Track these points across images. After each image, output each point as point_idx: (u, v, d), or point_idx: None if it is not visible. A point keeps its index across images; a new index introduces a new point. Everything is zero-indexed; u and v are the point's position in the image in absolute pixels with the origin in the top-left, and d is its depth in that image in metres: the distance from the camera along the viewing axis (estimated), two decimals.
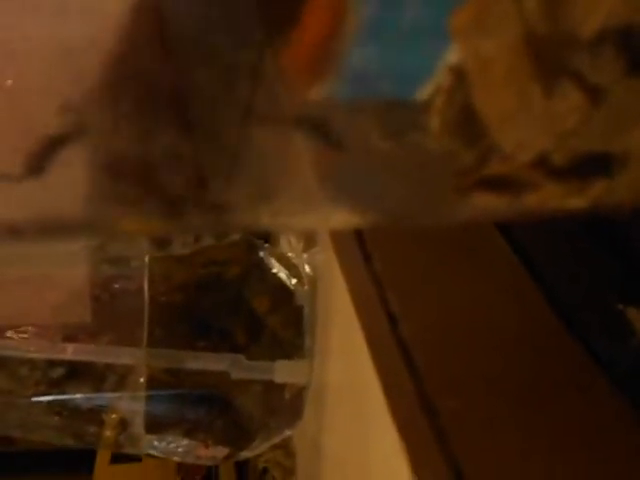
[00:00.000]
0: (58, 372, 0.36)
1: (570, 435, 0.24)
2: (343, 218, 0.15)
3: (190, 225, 0.17)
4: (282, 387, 0.42)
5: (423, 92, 0.14)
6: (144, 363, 0.37)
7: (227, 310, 0.43)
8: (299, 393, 0.41)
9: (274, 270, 0.44)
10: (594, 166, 0.12)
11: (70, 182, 0.15)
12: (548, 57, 0.11)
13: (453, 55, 0.13)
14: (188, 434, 0.43)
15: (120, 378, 0.38)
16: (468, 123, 0.13)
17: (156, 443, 0.43)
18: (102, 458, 0.56)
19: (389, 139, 0.15)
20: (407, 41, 0.14)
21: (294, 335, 0.42)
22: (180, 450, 0.43)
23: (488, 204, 0.14)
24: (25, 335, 0.37)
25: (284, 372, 0.40)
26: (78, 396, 0.37)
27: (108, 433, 0.41)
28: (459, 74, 0.13)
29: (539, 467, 0.23)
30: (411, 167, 0.15)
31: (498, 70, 0.12)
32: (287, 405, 0.42)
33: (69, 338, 0.37)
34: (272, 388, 0.41)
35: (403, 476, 0.25)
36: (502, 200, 0.13)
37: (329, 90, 0.14)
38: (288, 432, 0.43)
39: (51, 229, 0.16)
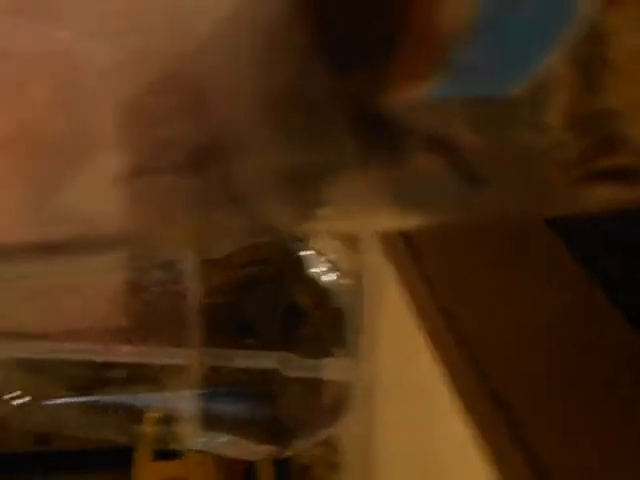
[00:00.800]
0: (115, 373, 0.37)
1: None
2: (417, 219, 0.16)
3: (238, 231, 0.17)
4: (327, 385, 0.42)
5: (520, 87, 0.14)
6: (197, 362, 0.38)
7: (269, 309, 0.43)
8: (345, 390, 0.42)
9: (312, 267, 0.44)
10: None
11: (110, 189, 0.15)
12: None
13: (578, 47, 0.13)
14: (234, 431, 0.43)
15: (173, 378, 0.38)
16: (594, 117, 0.13)
17: (202, 439, 0.43)
18: (142, 455, 0.56)
19: (481, 133, 0.15)
20: (514, 39, 0.14)
21: (337, 332, 0.42)
22: (225, 446, 0.43)
23: (606, 194, 0.14)
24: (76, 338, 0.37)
25: (333, 369, 0.40)
26: (132, 396, 0.38)
27: (148, 430, 0.41)
28: (584, 68, 0.13)
29: (615, 458, 0.24)
30: (510, 161, 0.15)
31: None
32: (332, 403, 0.42)
33: (121, 341, 0.38)
34: (317, 386, 0.42)
35: (479, 470, 0.25)
36: (622, 190, 0.14)
37: (431, 89, 0.15)
38: (333, 429, 0.44)
39: (91, 243, 0.16)
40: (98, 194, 0.15)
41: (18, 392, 0.36)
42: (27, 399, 0.36)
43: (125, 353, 0.37)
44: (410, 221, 0.18)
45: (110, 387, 0.37)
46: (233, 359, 0.38)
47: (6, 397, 0.36)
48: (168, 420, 0.40)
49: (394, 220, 0.18)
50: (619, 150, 0.13)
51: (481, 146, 0.15)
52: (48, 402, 0.37)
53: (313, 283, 0.43)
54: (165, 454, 0.55)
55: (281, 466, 0.55)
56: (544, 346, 0.29)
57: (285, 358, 0.40)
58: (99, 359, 0.37)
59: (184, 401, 0.39)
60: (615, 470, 0.23)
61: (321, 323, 0.42)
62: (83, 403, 0.37)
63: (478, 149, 0.15)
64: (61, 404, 0.37)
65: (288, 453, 0.45)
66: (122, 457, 0.57)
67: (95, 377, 0.37)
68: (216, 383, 0.39)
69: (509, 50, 0.14)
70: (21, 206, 0.15)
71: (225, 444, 0.42)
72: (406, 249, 0.36)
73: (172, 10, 0.14)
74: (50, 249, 0.16)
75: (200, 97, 0.14)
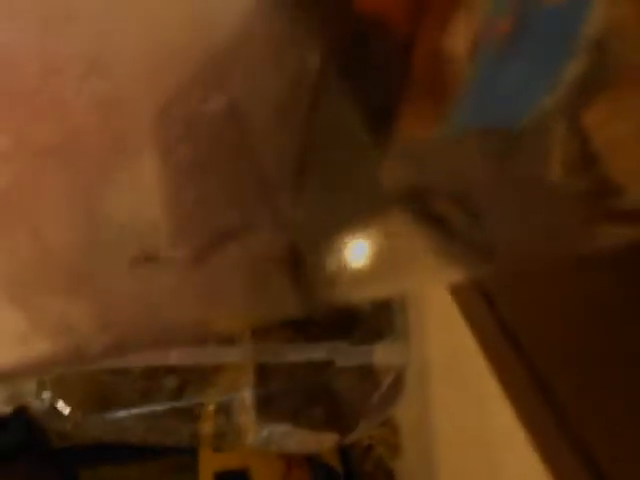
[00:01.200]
0: (172, 381, 0.38)
1: None
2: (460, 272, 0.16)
3: (290, 308, 0.17)
4: (381, 369, 0.42)
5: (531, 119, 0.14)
6: (249, 359, 0.38)
7: None
8: (398, 373, 0.42)
9: None
10: None
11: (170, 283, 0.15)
12: None
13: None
14: (294, 422, 0.44)
15: (227, 377, 0.39)
16: (592, 168, 0.13)
17: (262, 434, 0.44)
18: (205, 445, 0.57)
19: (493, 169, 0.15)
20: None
21: (385, 317, 0.42)
22: (286, 439, 0.44)
23: (619, 233, 0.14)
24: None
25: (383, 354, 0.40)
26: (192, 402, 0.39)
27: (206, 425, 0.42)
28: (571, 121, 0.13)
29: None
30: (533, 200, 0.15)
31: (627, 144, 0.12)
32: (387, 386, 0.42)
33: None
34: (371, 371, 0.42)
35: (527, 453, 0.25)
36: (631, 229, 0.14)
37: (446, 127, 0.15)
38: (390, 411, 0.44)
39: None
40: (137, 201, 0.15)
41: (76, 405, 0.37)
42: (88, 412, 0.37)
43: (177, 356, 0.38)
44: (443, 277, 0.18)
45: (166, 394, 0.38)
46: (284, 353, 0.38)
47: (66, 412, 0.37)
48: (227, 417, 0.41)
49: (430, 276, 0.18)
50: (618, 194, 0.13)
51: (492, 183, 0.15)
52: (107, 414, 0.38)
53: None
54: None
55: (343, 447, 0.55)
56: (586, 325, 0.29)
57: (335, 348, 0.40)
58: (153, 364, 0.38)
59: (240, 398, 0.40)
60: None
61: (370, 309, 0.42)
62: (142, 412, 0.38)
63: (489, 186, 0.15)
64: (122, 415, 0.38)
65: (350, 439, 0.46)
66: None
67: (151, 385, 0.38)
68: (271, 377, 0.40)
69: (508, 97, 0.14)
70: (70, 211, 0.15)
71: (286, 437, 0.43)
72: None
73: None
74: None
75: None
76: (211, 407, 0.41)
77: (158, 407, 0.38)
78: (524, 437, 0.26)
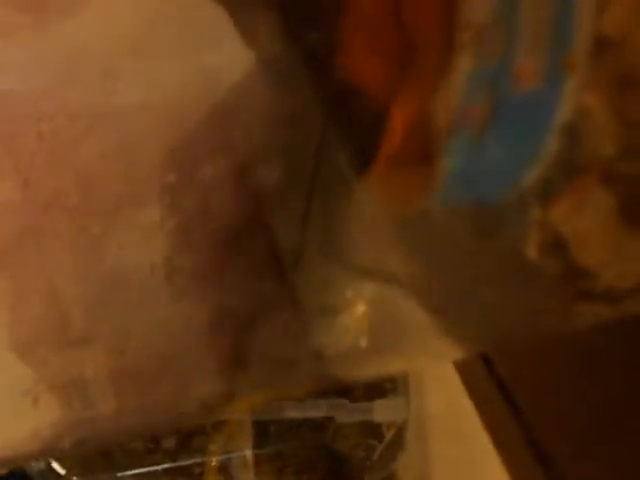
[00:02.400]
0: (170, 442, 0.38)
1: None
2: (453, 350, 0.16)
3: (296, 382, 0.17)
4: (381, 425, 0.42)
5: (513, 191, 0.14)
6: (248, 417, 0.39)
7: None
8: (399, 429, 0.42)
9: None
10: None
11: None
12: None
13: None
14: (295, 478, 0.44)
15: (227, 435, 0.39)
16: (563, 254, 0.13)
17: None
18: None
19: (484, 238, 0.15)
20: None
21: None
22: None
23: (593, 312, 0.14)
24: None
25: (383, 411, 0.40)
26: (193, 459, 0.39)
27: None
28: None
29: None
30: (510, 274, 0.15)
31: (594, 236, 0.12)
32: (388, 442, 0.42)
33: None
34: (372, 427, 0.42)
35: None
36: (608, 308, 0.14)
37: (428, 202, 0.15)
38: (392, 467, 0.44)
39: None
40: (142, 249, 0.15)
41: (74, 467, 0.38)
42: (82, 473, 0.37)
43: None
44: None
45: (164, 454, 0.38)
46: (283, 410, 0.39)
47: (62, 472, 0.37)
48: (227, 475, 0.41)
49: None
50: (590, 279, 0.14)
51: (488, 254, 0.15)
52: (104, 475, 0.38)
53: None
54: None
55: None
56: (587, 386, 0.28)
57: (335, 405, 0.40)
58: None
59: (241, 456, 0.40)
60: None
61: None
62: (140, 474, 0.38)
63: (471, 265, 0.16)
64: (120, 477, 0.38)
65: None
66: None
67: (148, 446, 0.38)
68: (271, 436, 0.40)
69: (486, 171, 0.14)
70: (76, 261, 0.15)
71: None
72: None
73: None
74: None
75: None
76: (214, 463, 0.41)
77: (157, 468, 0.38)
78: None
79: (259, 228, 0.15)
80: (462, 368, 0.32)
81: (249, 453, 0.40)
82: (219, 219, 0.15)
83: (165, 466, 0.38)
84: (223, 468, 0.40)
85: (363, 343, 0.16)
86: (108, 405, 0.15)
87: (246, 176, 0.14)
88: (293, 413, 0.39)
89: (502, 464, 0.27)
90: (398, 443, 0.43)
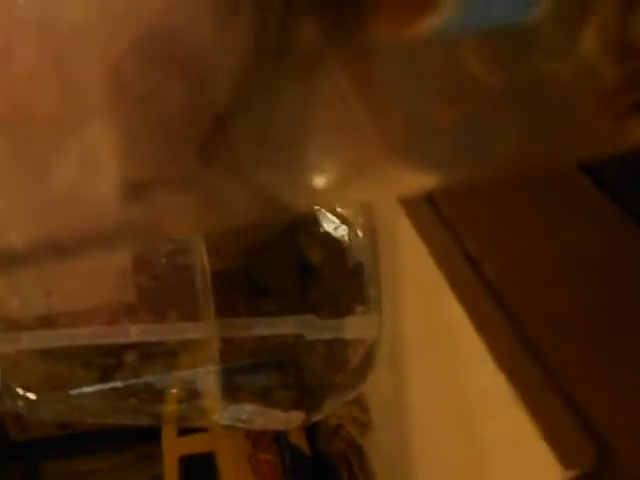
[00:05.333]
0: (129, 356, 0.36)
1: None
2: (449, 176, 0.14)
3: (234, 216, 0.15)
4: (350, 343, 0.41)
5: (542, 7, 0.12)
6: (213, 335, 0.36)
7: (284, 270, 0.42)
8: (369, 348, 0.41)
9: (325, 223, 0.43)
10: None
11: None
12: None
13: None
14: (261, 400, 0.42)
15: (191, 354, 0.37)
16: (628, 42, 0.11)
17: (228, 413, 0.42)
18: (168, 431, 0.55)
19: (502, 71, 0.13)
20: None
21: (357, 289, 0.40)
22: (253, 418, 0.42)
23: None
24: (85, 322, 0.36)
25: (355, 328, 0.39)
26: (150, 377, 0.37)
27: (170, 408, 0.40)
28: None
29: None
30: (537, 99, 0.13)
31: None
32: (356, 363, 0.41)
33: (132, 320, 0.36)
34: (341, 345, 0.40)
35: (514, 417, 0.23)
36: None
37: (438, 23, 0.13)
38: (359, 389, 0.43)
39: (92, 242, 0.15)
40: (94, 169, 0.14)
41: (32, 384, 0.35)
42: (43, 391, 0.35)
43: (137, 333, 0.36)
44: (425, 180, 0.17)
45: (126, 370, 0.36)
46: (251, 328, 0.37)
47: (21, 391, 0.35)
48: (191, 397, 0.39)
49: (405, 181, 0.16)
50: None
51: (504, 85, 0.13)
52: (65, 392, 0.36)
53: (327, 239, 0.42)
54: (191, 428, 0.54)
55: (310, 427, 0.54)
56: (574, 286, 0.28)
57: (305, 321, 0.38)
58: (111, 341, 0.35)
59: (205, 376, 0.38)
60: None
61: (339, 280, 0.40)
62: (100, 390, 0.36)
63: (500, 89, 0.14)
64: (78, 393, 0.36)
65: (318, 417, 0.44)
66: (146, 433, 0.56)
67: (110, 361, 0.36)
68: (236, 354, 0.38)
69: None
70: (21, 190, 0.14)
71: (252, 415, 0.41)
72: (422, 196, 0.35)
73: None
74: (57, 249, 0.15)
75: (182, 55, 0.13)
76: (174, 390, 0.39)
77: (118, 384, 0.36)
78: (510, 396, 0.24)
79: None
80: (447, 272, 0.30)
81: (213, 375, 0.38)
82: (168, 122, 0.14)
83: (127, 383, 0.35)
84: (186, 391, 0.38)
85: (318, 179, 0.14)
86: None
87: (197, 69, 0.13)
88: (261, 330, 0.37)
89: (492, 362, 0.25)
90: (367, 364, 0.41)
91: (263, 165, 0.14)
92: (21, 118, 0.13)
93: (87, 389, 0.35)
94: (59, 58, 0.12)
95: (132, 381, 0.36)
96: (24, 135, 0.13)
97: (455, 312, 0.29)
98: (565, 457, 0.21)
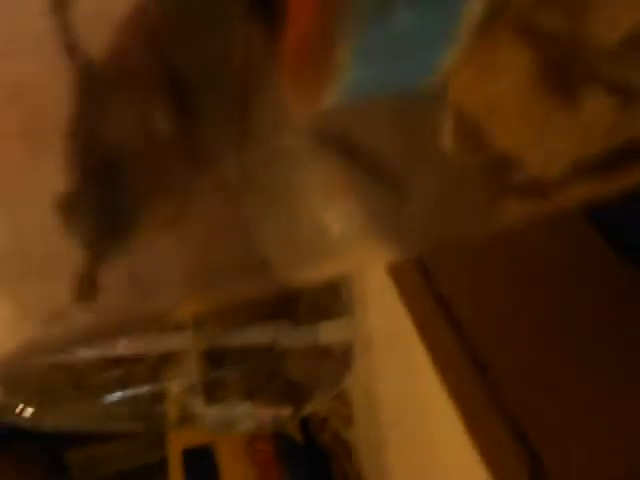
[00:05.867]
0: (117, 372, 0.38)
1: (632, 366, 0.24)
2: (378, 253, 0.15)
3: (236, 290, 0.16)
4: (329, 345, 0.43)
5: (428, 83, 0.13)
6: (193, 345, 0.39)
7: None
8: (346, 348, 0.43)
9: None
10: (631, 154, 0.12)
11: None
12: (568, 73, 0.11)
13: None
14: (249, 400, 0.44)
15: (175, 363, 0.39)
16: (482, 142, 0.12)
17: (218, 414, 0.44)
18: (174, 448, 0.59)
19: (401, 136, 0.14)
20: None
21: (329, 294, 0.42)
22: (244, 420, 0.44)
23: (519, 210, 0.13)
24: None
25: (328, 332, 0.41)
26: (141, 389, 0.39)
27: (172, 413, 0.43)
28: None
29: (601, 414, 0.23)
30: (438, 175, 0.15)
31: (509, 105, 0.11)
32: (336, 361, 0.43)
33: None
34: (319, 348, 0.43)
35: (454, 420, 0.25)
36: (533, 204, 0.13)
37: (335, 95, 0.14)
38: (342, 385, 0.45)
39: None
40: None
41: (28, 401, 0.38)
42: (37, 407, 0.38)
43: (124, 347, 0.38)
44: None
45: (117, 383, 0.38)
46: (227, 338, 0.39)
47: (18, 409, 0.37)
48: (185, 403, 0.42)
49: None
50: (513, 166, 0.13)
51: (402, 151, 0.15)
52: (58, 406, 0.38)
53: None
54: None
55: (303, 419, 0.56)
56: (522, 291, 0.29)
57: (279, 329, 0.40)
58: (96, 355, 0.38)
59: (191, 384, 0.41)
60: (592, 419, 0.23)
61: (313, 288, 0.42)
62: (92, 404, 0.38)
63: (399, 154, 0.15)
64: (70, 407, 0.39)
65: (304, 412, 0.47)
66: None
67: (104, 375, 0.38)
68: (219, 362, 0.40)
69: (405, 42, 0.13)
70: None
71: (243, 417, 0.43)
72: None
73: None
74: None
75: None
76: (175, 390, 0.42)
77: (116, 396, 0.39)
78: (453, 408, 0.26)
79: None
80: (402, 284, 0.32)
81: (197, 382, 0.41)
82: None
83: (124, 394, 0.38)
84: (184, 394, 0.41)
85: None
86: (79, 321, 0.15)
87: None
88: (237, 340, 0.39)
89: (438, 374, 0.27)
90: (346, 362, 0.43)
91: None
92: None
93: (83, 402, 0.38)
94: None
95: (125, 393, 0.38)
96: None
97: (406, 323, 0.31)
98: (500, 477, 0.23)
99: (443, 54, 0.12)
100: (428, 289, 0.32)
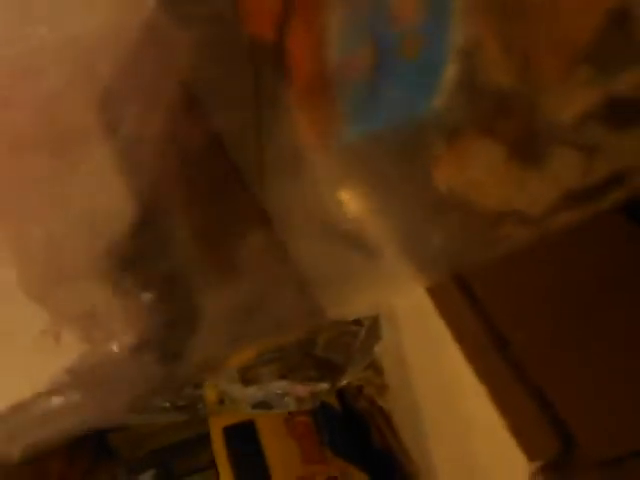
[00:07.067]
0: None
1: None
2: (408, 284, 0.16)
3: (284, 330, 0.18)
4: (357, 319, 0.44)
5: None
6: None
7: None
8: (372, 322, 0.44)
9: None
10: (610, 182, 0.13)
11: None
12: (533, 146, 0.12)
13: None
14: (283, 379, 0.46)
15: None
16: (471, 207, 0.14)
17: (255, 394, 0.46)
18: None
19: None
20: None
21: None
22: (283, 398, 0.46)
23: (517, 234, 0.15)
24: None
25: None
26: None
27: (211, 398, 0.45)
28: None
29: (626, 383, 0.24)
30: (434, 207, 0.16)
31: (488, 181, 0.13)
32: (364, 335, 0.45)
33: None
34: (346, 325, 0.44)
35: (484, 406, 0.26)
36: (528, 229, 0.14)
37: (347, 129, 0.15)
38: (372, 355, 0.46)
39: None
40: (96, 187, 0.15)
41: None
42: None
43: None
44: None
45: None
46: None
47: None
48: (220, 389, 0.43)
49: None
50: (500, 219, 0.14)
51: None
52: None
53: None
54: None
55: (339, 389, 0.58)
56: (542, 271, 0.29)
57: None
58: None
59: (226, 370, 0.42)
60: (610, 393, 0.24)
61: None
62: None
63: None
64: None
65: (340, 385, 0.48)
66: None
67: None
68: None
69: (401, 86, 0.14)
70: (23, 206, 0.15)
71: (281, 395, 0.45)
72: None
73: None
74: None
75: None
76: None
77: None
78: (479, 384, 0.27)
79: (215, 149, 0.15)
80: None
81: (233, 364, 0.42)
82: (175, 146, 0.16)
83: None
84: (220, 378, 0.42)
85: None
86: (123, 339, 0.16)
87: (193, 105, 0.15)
88: None
89: (461, 351, 0.28)
90: (374, 334, 0.45)
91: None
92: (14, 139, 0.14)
93: None
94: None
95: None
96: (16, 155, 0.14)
97: (427, 303, 0.32)
98: (530, 449, 0.24)
99: (424, 107, 0.13)
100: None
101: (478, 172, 0.13)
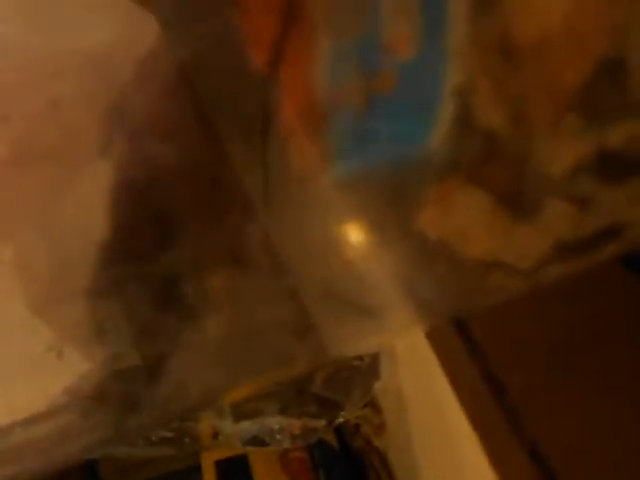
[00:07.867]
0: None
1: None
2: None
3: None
4: (356, 356, 0.44)
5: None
6: None
7: None
8: (373, 359, 0.43)
9: None
10: (604, 235, 0.13)
11: None
12: (523, 199, 0.11)
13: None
14: (278, 414, 0.45)
15: None
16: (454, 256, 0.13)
17: (249, 429, 0.45)
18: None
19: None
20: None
21: None
22: (278, 434, 0.45)
23: (507, 285, 0.14)
24: None
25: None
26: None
27: (204, 433, 0.44)
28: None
29: (621, 438, 0.24)
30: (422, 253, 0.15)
31: (474, 229, 0.12)
32: (365, 371, 0.44)
33: None
34: (347, 359, 0.43)
35: (478, 450, 0.26)
36: (520, 280, 0.14)
37: (336, 169, 0.15)
38: (371, 393, 0.46)
39: None
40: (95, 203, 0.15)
41: None
42: None
43: None
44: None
45: None
46: None
47: None
48: (213, 425, 0.43)
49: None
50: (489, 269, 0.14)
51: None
52: None
53: None
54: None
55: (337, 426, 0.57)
56: (541, 316, 0.29)
57: None
58: None
59: (218, 405, 0.42)
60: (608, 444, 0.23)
61: None
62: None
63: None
64: None
65: (336, 423, 0.47)
66: None
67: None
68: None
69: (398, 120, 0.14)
70: (26, 221, 0.15)
71: (275, 432, 0.44)
72: None
73: None
74: None
75: None
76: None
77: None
78: (473, 430, 0.27)
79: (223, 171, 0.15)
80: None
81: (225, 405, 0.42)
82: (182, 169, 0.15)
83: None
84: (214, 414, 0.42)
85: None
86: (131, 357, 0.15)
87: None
88: None
89: (456, 396, 0.28)
90: (373, 372, 0.44)
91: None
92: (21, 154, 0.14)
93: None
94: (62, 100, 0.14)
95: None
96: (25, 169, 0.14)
97: (426, 346, 0.31)
98: None
99: (419, 145, 0.13)
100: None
101: (464, 220, 0.13)
